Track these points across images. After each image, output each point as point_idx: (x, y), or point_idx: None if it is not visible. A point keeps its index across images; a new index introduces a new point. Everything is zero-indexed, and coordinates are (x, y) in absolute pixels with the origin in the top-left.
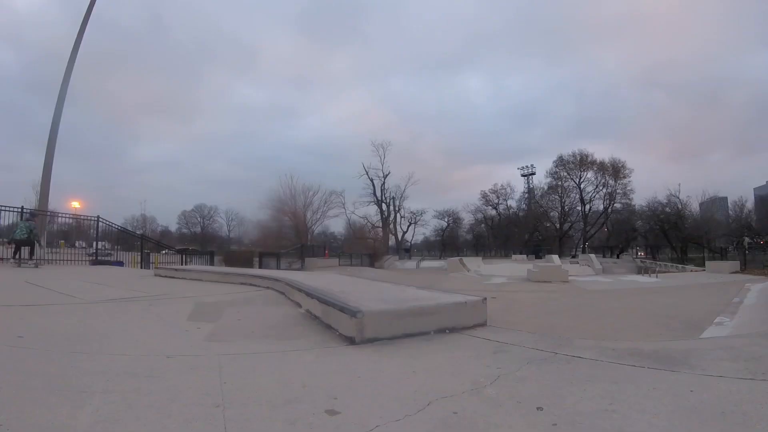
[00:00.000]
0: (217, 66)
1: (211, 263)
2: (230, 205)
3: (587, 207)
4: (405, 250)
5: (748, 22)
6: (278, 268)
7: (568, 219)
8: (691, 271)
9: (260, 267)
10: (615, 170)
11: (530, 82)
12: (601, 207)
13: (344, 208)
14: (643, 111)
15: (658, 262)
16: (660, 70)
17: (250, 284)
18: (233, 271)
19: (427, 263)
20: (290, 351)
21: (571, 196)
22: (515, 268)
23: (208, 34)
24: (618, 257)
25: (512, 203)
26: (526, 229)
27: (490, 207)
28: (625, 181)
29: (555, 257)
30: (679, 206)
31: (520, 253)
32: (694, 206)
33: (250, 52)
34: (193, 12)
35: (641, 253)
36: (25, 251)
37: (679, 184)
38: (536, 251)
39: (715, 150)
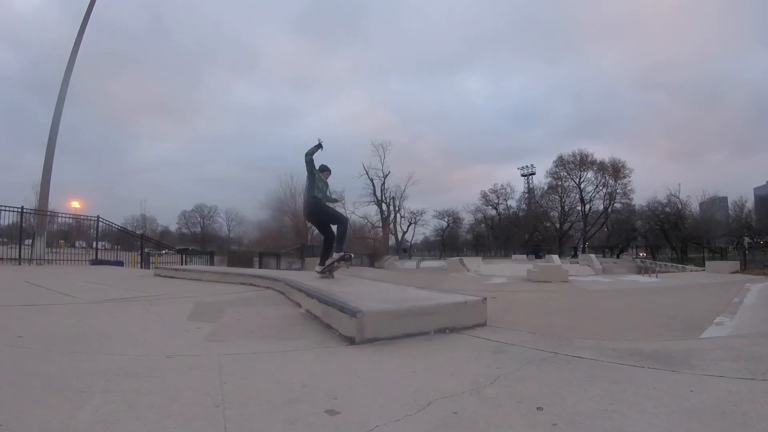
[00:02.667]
0: (217, 66)
1: (211, 263)
2: (230, 205)
3: (587, 207)
4: (403, 250)
5: (747, 22)
6: (278, 268)
7: (568, 219)
8: (691, 271)
9: (260, 267)
10: (615, 170)
11: (529, 83)
12: (601, 207)
13: (344, 207)
14: (642, 111)
15: (658, 262)
16: (659, 70)
17: (250, 284)
18: (233, 271)
19: (427, 263)
20: (290, 351)
21: (571, 196)
22: (515, 268)
23: (208, 35)
24: (618, 257)
25: (512, 203)
26: (526, 229)
27: (490, 207)
28: (625, 181)
29: (555, 257)
30: (679, 206)
31: (520, 253)
32: (694, 206)
33: (250, 53)
34: (193, 12)
35: (642, 254)
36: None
37: (679, 184)
38: (536, 251)
39: (715, 150)
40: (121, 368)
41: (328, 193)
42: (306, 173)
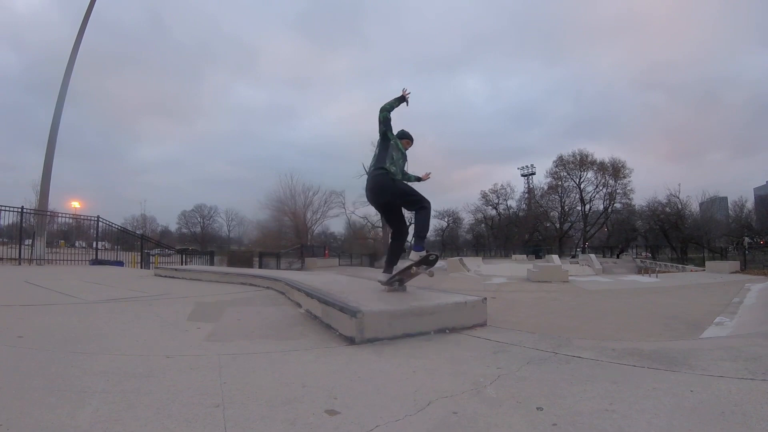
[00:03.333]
0: (217, 67)
1: (211, 263)
2: (230, 205)
3: (587, 207)
4: (402, 249)
5: (746, 22)
6: (278, 267)
7: (568, 219)
8: (691, 270)
9: (260, 267)
10: (615, 170)
11: (528, 84)
12: (601, 207)
13: (344, 208)
14: (642, 111)
15: (657, 262)
16: (659, 70)
17: (250, 284)
18: (233, 271)
19: None
20: (290, 351)
21: (571, 196)
22: (515, 268)
23: (209, 35)
24: (618, 257)
25: (512, 203)
26: (526, 229)
27: (490, 207)
28: (625, 181)
29: (555, 257)
30: (679, 206)
31: (520, 253)
32: (694, 206)
33: (251, 53)
34: (193, 12)
35: (645, 253)
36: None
37: (679, 185)
38: (536, 251)
39: (715, 150)
40: (121, 368)
41: (405, 169)
42: (378, 137)
